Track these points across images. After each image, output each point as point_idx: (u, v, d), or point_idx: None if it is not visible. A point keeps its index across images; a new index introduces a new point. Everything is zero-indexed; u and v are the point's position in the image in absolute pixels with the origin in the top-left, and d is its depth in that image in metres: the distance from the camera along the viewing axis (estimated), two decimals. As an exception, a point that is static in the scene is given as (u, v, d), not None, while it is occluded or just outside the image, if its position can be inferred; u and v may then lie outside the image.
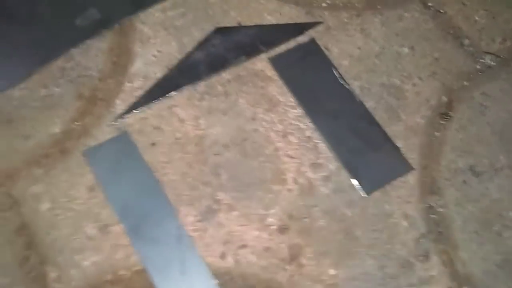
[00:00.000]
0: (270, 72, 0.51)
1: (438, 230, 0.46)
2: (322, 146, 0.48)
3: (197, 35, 0.52)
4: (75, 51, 0.50)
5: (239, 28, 0.51)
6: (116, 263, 0.43)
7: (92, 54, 0.50)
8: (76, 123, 0.48)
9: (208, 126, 0.48)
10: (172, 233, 0.43)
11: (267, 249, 0.44)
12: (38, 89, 0.49)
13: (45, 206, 0.45)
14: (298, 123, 0.49)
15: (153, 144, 0.47)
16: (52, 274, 0.43)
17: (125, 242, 0.44)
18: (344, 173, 0.47)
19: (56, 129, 0.48)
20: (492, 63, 0.54)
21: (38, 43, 0.49)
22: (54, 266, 0.43)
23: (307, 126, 0.49)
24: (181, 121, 0.48)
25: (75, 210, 0.44)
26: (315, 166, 0.47)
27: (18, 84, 0.48)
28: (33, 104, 0.48)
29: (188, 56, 0.50)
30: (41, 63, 0.49)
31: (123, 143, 0.46)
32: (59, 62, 0.50)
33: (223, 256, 0.44)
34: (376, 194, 0.46)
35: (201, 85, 0.50)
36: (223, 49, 0.50)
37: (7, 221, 0.44)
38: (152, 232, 0.43)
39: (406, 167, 0.47)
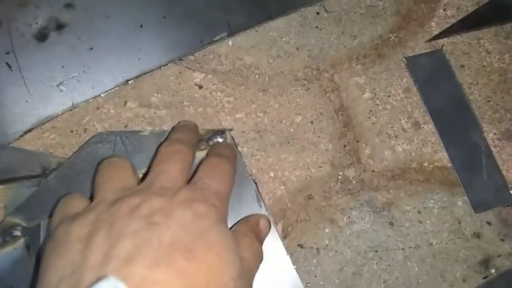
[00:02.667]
0: None
1: None
2: None
3: (506, -18, 0.57)
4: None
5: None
6: (423, 156, 0.51)
7: (413, -21, 0.57)
8: (392, 34, 0.55)
9: (511, 62, 0.54)
10: (476, 142, 0.50)
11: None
12: (364, -1, 0.56)
13: (366, 95, 0.53)
14: None
15: (462, 66, 0.53)
16: (366, 151, 0.51)
17: (433, 140, 0.51)
18: None
19: (377, 35, 0.55)
20: None
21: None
22: (368, 145, 0.51)
23: None
24: (488, 52, 0.54)
25: (392, 105, 0.52)
26: None
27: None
28: (359, 10, 0.56)
29: (498, -3, 0.56)
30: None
31: (438, 59, 0.53)
32: (383, -19, 0.57)
33: (517, 173, 0.49)
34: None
35: (507, 26, 0.55)
36: (532, -1, 0.55)
37: (330, 100, 0.53)
38: (458, 137, 0.50)
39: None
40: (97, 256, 0.28)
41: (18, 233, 0.46)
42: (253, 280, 0.35)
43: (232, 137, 0.49)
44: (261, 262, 0.37)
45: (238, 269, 0.30)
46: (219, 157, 0.38)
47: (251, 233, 0.38)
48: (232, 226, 0.41)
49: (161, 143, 0.41)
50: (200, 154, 0.48)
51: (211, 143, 0.48)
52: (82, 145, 0.49)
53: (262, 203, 0.46)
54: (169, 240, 0.27)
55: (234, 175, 0.38)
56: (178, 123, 0.47)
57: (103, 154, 0.48)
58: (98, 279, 0.26)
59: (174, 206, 0.30)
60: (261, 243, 0.39)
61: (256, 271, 0.36)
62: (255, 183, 0.48)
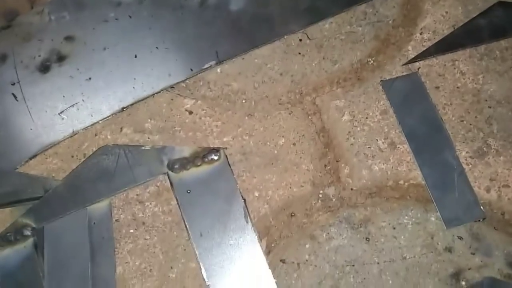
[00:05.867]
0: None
1: None
2: None
3: (481, 5, 0.60)
4: (377, 1, 0.60)
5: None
6: (398, 174, 0.54)
7: (390, 5, 0.60)
8: (371, 59, 0.59)
9: (484, 83, 0.57)
10: (449, 161, 0.53)
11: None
12: (345, 25, 0.60)
13: (345, 117, 0.56)
14: None
15: (437, 87, 0.57)
16: (345, 170, 0.54)
17: (408, 159, 0.54)
18: None
19: (356, 60, 0.58)
20: None
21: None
22: (347, 165, 0.55)
23: None
24: (462, 73, 0.57)
25: (370, 126, 0.55)
26: None
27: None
28: (339, 36, 0.59)
29: (472, 21, 0.59)
30: (348, 5, 0.60)
31: (413, 81, 0.56)
32: (363, 7, 0.60)
33: (488, 189, 0.53)
34: None
35: (481, 48, 0.58)
36: (504, 21, 0.58)
37: (312, 123, 0.56)
38: (431, 156, 0.53)
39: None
40: None
41: (28, 232, 0.52)
42: None
43: (226, 156, 0.53)
44: None
45: None
46: None
47: None
48: None
49: None
50: (196, 170, 0.52)
51: (206, 160, 0.53)
52: (89, 156, 0.53)
53: (248, 219, 0.51)
54: None
55: None
56: None
57: (107, 165, 0.53)
58: None
59: None
60: None
61: None
62: (244, 200, 0.52)
